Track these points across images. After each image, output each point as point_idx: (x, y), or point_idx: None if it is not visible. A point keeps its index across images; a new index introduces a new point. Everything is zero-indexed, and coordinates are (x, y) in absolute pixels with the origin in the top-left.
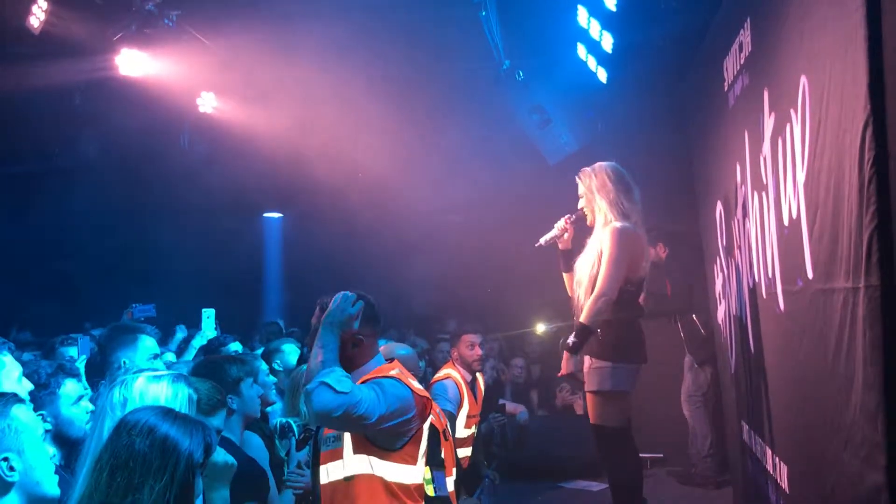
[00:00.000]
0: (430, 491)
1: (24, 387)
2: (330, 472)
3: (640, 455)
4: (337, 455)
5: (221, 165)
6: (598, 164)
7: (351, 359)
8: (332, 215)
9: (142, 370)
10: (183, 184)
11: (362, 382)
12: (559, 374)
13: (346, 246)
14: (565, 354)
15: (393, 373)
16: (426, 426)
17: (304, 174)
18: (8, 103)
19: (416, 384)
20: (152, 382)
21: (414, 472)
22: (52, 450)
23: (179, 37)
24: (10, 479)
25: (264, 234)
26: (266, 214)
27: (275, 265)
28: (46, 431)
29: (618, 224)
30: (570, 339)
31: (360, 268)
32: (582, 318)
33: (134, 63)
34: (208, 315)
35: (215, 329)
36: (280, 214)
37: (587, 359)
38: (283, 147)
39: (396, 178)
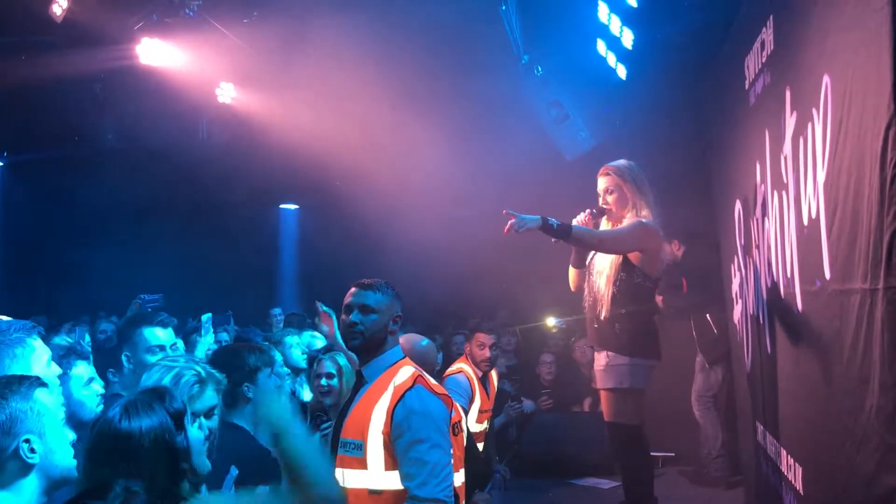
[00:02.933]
0: None
1: (53, 371)
2: (348, 479)
3: (652, 454)
4: (359, 464)
5: (239, 156)
6: (623, 162)
7: (382, 342)
8: (348, 207)
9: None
10: (201, 174)
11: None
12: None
13: (362, 238)
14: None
15: (418, 381)
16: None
17: (321, 166)
18: (29, 91)
19: (432, 382)
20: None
21: None
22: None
23: (200, 27)
24: (30, 461)
25: (280, 226)
26: (282, 206)
27: (290, 256)
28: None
29: (643, 220)
30: (552, 223)
31: (375, 260)
32: (579, 231)
33: (154, 52)
34: (206, 319)
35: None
36: (296, 206)
37: (603, 355)
38: (301, 138)
39: (413, 170)
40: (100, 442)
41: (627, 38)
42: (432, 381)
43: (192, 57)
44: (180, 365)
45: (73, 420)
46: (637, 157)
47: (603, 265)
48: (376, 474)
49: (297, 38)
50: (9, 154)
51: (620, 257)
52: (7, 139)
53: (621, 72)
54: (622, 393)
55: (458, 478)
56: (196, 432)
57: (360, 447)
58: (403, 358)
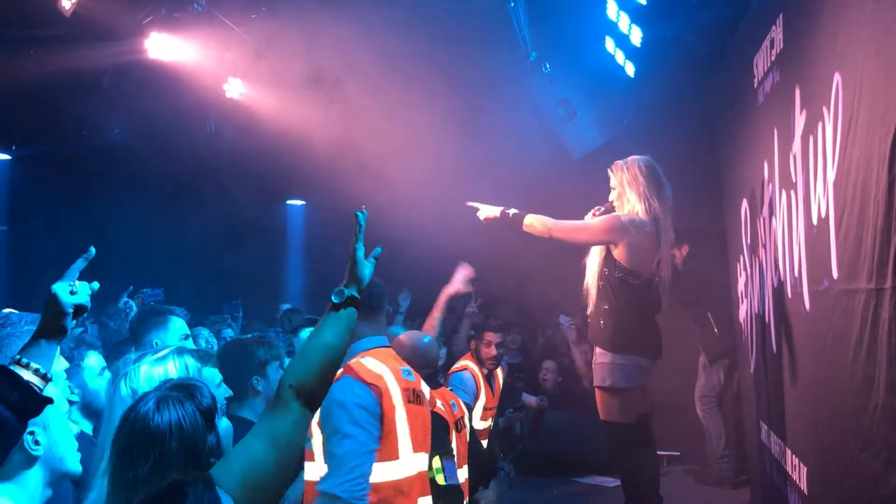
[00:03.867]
0: (440, 480)
1: (60, 364)
2: (305, 471)
3: (657, 453)
4: (309, 456)
5: (246, 151)
6: (631, 158)
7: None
8: (354, 203)
9: (144, 355)
10: (208, 169)
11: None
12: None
13: (368, 235)
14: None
15: (348, 370)
16: (400, 415)
17: (329, 162)
18: (38, 85)
19: (368, 368)
20: (157, 365)
21: (397, 466)
22: (75, 427)
23: (208, 21)
24: (34, 453)
25: (287, 221)
26: (289, 201)
27: (297, 252)
28: (73, 403)
29: (623, 216)
30: (509, 212)
31: (381, 258)
32: (531, 219)
33: (163, 47)
34: (177, 324)
35: (230, 326)
36: (303, 202)
37: (596, 352)
38: (308, 135)
39: (420, 166)
40: (131, 437)
41: (636, 36)
42: (370, 367)
43: (201, 52)
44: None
45: (89, 409)
46: (644, 155)
47: (591, 261)
48: (320, 466)
49: (304, 35)
50: (17, 147)
51: (604, 252)
52: (15, 133)
53: (629, 70)
54: (608, 391)
55: (462, 474)
56: (226, 424)
57: (309, 439)
58: (371, 349)
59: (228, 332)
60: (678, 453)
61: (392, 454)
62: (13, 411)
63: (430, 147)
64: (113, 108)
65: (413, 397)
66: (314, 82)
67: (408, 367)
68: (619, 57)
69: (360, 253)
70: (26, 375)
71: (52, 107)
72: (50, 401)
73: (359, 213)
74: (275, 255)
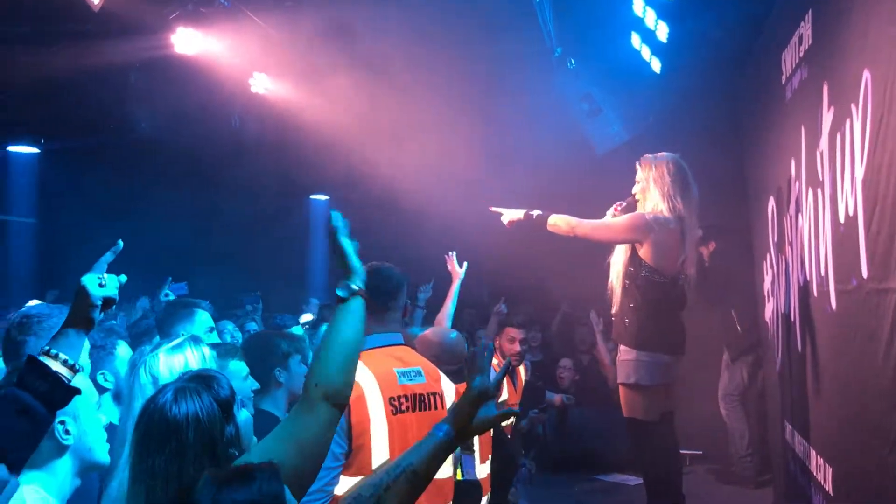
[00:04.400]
0: (458, 475)
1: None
2: None
3: (680, 451)
4: None
5: (270, 146)
6: (661, 154)
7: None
8: (378, 199)
9: (160, 344)
10: (232, 163)
11: None
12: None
13: (392, 231)
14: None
15: None
16: (377, 428)
17: (352, 157)
18: (66, 79)
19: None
20: (173, 353)
21: None
22: (104, 418)
23: (234, 17)
24: (65, 443)
25: (310, 216)
26: (312, 196)
27: (320, 247)
28: (106, 390)
29: (647, 214)
30: (532, 213)
31: (404, 252)
32: (555, 219)
33: (189, 42)
34: (203, 317)
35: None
36: (326, 197)
37: (620, 349)
38: (332, 130)
39: (444, 161)
40: (149, 428)
41: (662, 32)
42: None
43: (227, 47)
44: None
45: (121, 397)
46: (670, 151)
47: (616, 259)
48: None
49: (330, 29)
50: (46, 141)
51: (629, 251)
52: (44, 127)
53: (655, 66)
54: (630, 388)
55: (484, 469)
56: (245, 415)
57: None
58: (370, 349)
59: (252, 326)
60: (701, 452)
61: (364, 468)
62: (42, 401)
63: (454, 142)
64: (140, 102)
65: (410, 405)
66: (338, 77)
67: (416, 368)
68: (646, 53)
69: (346, 244)
70: (55, 366)
71: (80, 101)
72: (78, 391)
73: (332, 212)
74: (298, 248)
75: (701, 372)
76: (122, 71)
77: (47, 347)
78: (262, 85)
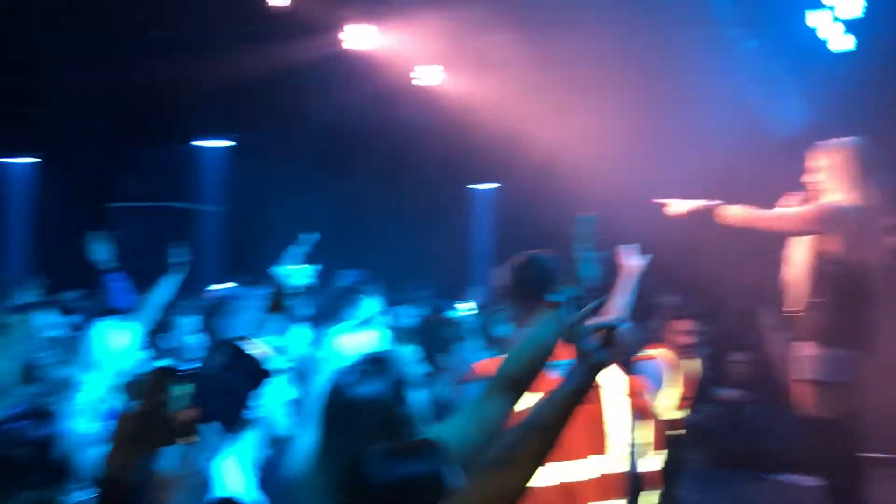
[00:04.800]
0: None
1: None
2: None
3: (866, 454)
4: None
5: (437, 136)
6: (843, 139)
7: None
8: (544, 188)
9: (339, 327)
10: (399, 154)
11: None
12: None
13: (558, 221)
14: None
15: None
16: None
17: (519, 146)
18: (252, 77)
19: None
20: (351, 335)
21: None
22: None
23: (404, 10)
24: (254, 417)
25: (475, 206)
26: (478, 186)
27: (484, 237)
28: (289, 370)
29: (834, 204)
30: (704, 204)
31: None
32: (732, 211)
33: (361, 37)
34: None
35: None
36: (493, 185)
37: (801, 345)
38: (499, 118)
39: (611, 149)
40: (331, 409)
41: (851, 8)
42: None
43: (396, 40)
44: None
45: (301, 376)
46: (856, 136)
47: (796, 251)
48: None
49: (498, 18)
50: (232, 136)
51: (812, 243)
52: (235, 122)
53: (840, 45)
54: (811, 385)
55: (652, 463)
56: (421, 396)
57: None
58: None
59: (421, 312)
60: (886, 456)
61: None
62: (242, 380)
63: (622, 129)
64: (319, 97)
65: None
66: (506, 67)
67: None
68: (829, 32)
69: (582, 253)
70: (252, 349)
71: (263, 98)
72: (270, 373)
73: (580, 218)
74: (463, 238)
75: (890, 370)
76: (299, 68)
77: (247, 333)
78: (429, 76)
